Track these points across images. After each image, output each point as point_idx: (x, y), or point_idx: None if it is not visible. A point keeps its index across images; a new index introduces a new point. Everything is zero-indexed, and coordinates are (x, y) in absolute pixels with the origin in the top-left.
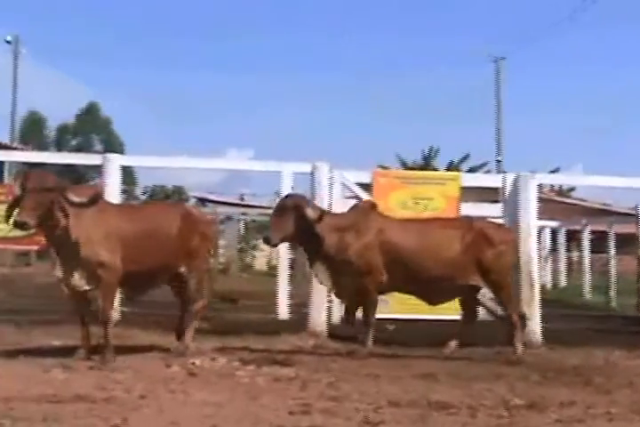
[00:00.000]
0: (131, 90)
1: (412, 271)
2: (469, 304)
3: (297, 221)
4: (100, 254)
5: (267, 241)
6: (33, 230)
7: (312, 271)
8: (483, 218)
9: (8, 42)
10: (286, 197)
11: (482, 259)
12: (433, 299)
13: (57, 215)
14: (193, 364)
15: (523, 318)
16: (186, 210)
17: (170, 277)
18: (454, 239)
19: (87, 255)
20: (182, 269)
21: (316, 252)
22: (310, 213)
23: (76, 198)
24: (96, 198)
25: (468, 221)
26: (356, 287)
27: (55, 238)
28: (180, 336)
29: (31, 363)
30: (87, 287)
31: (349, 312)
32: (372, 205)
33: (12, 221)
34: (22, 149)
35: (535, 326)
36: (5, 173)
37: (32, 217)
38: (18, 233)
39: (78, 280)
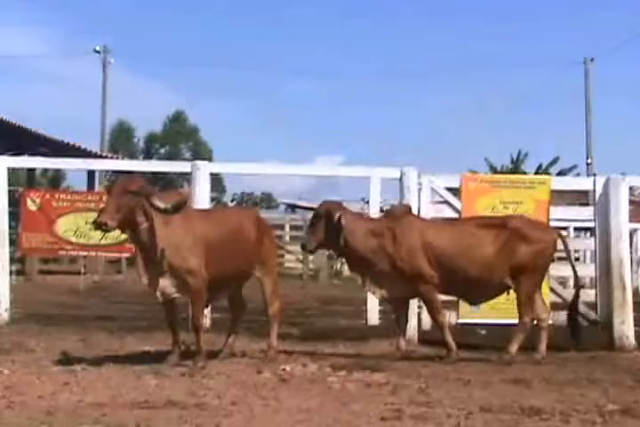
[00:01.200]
0: (218, 97)
1: (449, 272)
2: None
3: (329, 228)
4: (189, 261)
5: (303, 247)
6: (123, 236)
7: (354, 276)
8: (523, 216)
9: (97, 52)
10: (322, 204)
11: (516, 257)
12: (472, 299)
13: (140, 220)
14: (284, 370)
15: (527, 324)
16: (256, 214)
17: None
18: (488, 239)
19: (176, 263)
20: (258, 274)
21: (353, 257)
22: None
23: (161, 204)
24: (180, 205)
25: (504, 219)
26: (411, 292)
27: (143, 245)
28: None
29: (123, 369)
30: (176, 295)
31: (399, 321)
32: (408, 209)
33: (93, 221)
34: (112, 158)
35: (628, 329)
36: (96, 182)
37: (112, 218)
38: (109, 241)
39: (168, 287)
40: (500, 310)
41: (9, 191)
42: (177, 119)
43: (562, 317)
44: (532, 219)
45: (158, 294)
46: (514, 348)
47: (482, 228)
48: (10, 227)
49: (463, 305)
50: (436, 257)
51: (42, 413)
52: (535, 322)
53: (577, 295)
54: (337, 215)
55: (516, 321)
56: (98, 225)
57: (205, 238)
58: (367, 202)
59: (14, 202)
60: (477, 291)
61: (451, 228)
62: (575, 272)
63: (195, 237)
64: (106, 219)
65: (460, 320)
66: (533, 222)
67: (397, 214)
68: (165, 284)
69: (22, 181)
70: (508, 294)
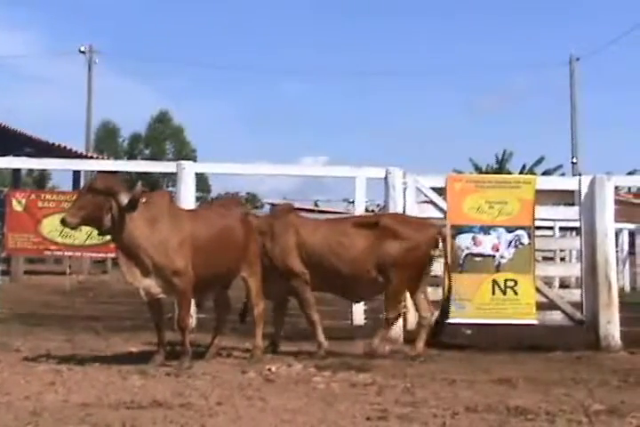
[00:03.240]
0: (203, 97)
1: (324, 270)
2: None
3: None
4: (174, 262)
5: None
6: (108, 237)
7: None
8: (397, 214)
9: (82, 52)
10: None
11: (382, 253)
12: (351, 297)
13: (105, 218)
14: (269, 370)
15: (391, 321)
16: (241, 214)
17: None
18: (360, 237)
19: (162, 262)
20: (243, 274)
21: None
22: None
23: (125, 201)
24: (133, 202)
25: (377, 217)
26: (286, 289)
27: (122, 243)
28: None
29: (109, 369)
30: (162, 295)
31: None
32: (289, 208)
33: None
34: (97, 158)
35: (614, 329)
36: (82, 182)
37: (73, 215)
38: (94, 241)
39: (153, 287)
40: (486, 311)
41: None
42: (161, 119)
43: (548, 316)
44: (408, 217)
45: (143, 293)
46: (376, 342)
47: (355, 226)
48: None
49: (450, 305)
50: (308, 255)
51: (28, 413)
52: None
53: (448, 298)
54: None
55: (501, 321)
56: (61, 222)
57: (193, 238)
58: (352, 202)
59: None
60: (355, 289)
61: (326, 227)
62: (449, 273)
63: (182, 236)
64: (67, 216)
65: (446, 320)
66: (407, 220)
67: (278, 213)
68: (150, 284)
69: (7, 182)
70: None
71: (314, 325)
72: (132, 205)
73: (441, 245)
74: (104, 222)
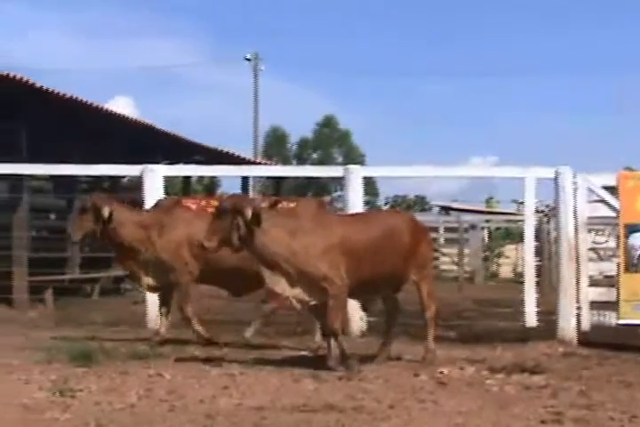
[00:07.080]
0: (368, 101)
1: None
2: None
3: (98, 222)
4: (319, 268)
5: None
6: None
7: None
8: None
9: (248, 59)
10: (91, 199)
11: None
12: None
13: (233, 235)
14: (441, 373)
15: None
16: (410, 217)
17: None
18: None
19: (304, 270)
20: (414, 277)
21: (121, 249)
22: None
23: (249, 215)
24: (258, 216)
25: None
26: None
27: (262, 257)
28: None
29: (281, 373)
30: (313, 301)
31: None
32: (175, 202)
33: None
34: (266, 164)
35: None
36: (250, 188)
37: (210, 240)
38: None
39: (301, 294)
40: None
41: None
42: (327, 124)
43: None
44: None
45: (294, 302)
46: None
47: None
48: None
49: (624, 305)
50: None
51: (202, 416)
52: None
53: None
54: (106, 210)
55: None
56: (200, 247)
57: (345, 243)
58: (521, 203)
59: None
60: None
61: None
62: None
63: (328, 242)
64: (205, 241)
65: (621, 321)
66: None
67: (166, 207)
68: (297, 291)
69: (178, 189)
70: None
71: (187, 319)
72: (256, 218)
73: None
74: (232, 240)
